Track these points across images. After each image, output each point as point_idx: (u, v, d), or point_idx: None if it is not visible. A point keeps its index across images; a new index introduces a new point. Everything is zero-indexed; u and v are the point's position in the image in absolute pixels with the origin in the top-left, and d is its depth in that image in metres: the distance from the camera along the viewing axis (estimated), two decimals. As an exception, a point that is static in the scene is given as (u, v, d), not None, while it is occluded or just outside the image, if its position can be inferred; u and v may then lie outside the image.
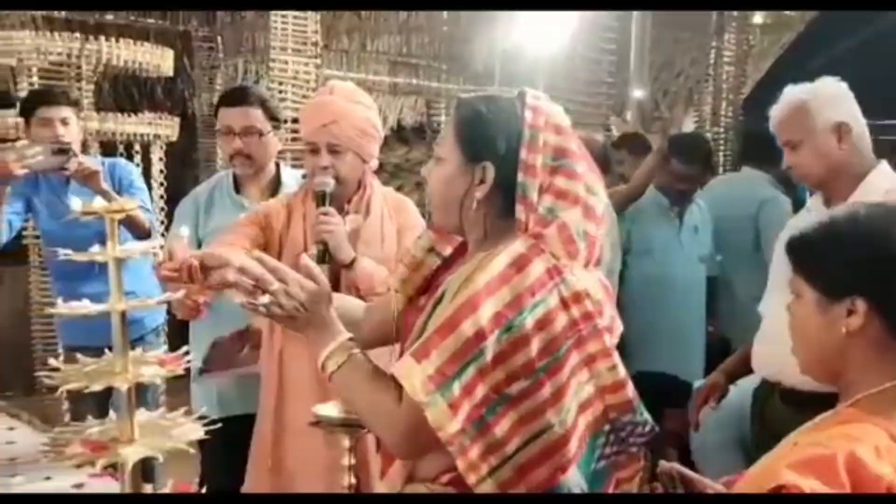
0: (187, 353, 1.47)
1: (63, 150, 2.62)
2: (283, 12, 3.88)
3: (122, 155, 3.63)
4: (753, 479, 1.11)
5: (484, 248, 1.26)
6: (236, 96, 2.50)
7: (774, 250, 2.17)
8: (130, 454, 1.38)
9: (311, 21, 3.94)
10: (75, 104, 2.92)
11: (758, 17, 5.93)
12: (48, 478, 1.95)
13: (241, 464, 2.34)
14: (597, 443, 1.24)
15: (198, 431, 1.47)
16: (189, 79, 5.49)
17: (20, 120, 3.43)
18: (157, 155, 3.68)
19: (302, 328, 1.29)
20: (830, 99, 2.06)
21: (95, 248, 1.48)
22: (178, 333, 3.23)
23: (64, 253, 1.44)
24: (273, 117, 2.50)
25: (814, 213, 2.15)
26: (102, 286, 2.94)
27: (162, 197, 3.88)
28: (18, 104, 3.30)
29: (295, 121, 4.03)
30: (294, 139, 4.00)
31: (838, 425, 1.09)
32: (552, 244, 1.21)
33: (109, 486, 1.91)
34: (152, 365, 1.46)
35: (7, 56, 3.51)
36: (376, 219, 2.08)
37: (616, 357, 1.24)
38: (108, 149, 3.66)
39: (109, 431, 1.51)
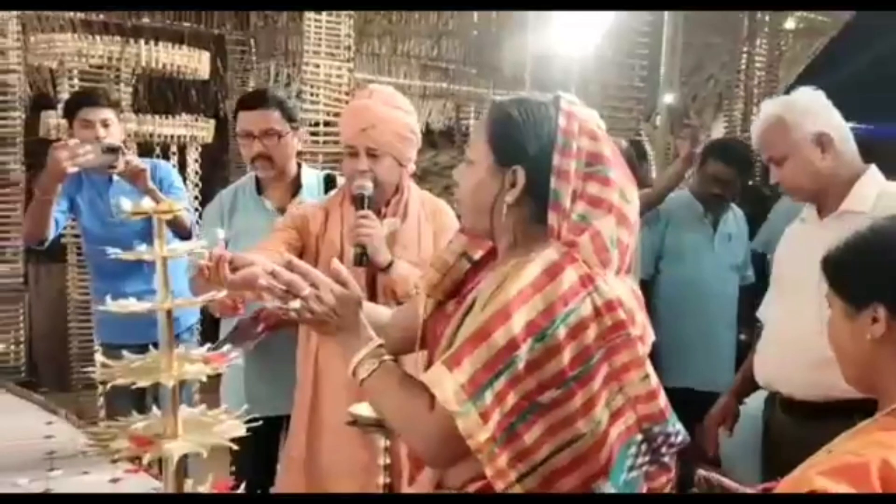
0: (231, 351, 1.50)
1: (112, 149, 2.70)
2: (317, 16, 3.92)
3: (157, 156, 3.70)
4: (787, 486, 1.11)
5: (514, 254, 1.25)
6: (254, 99, 2.51)
7: (774, 259, 2.15)
8: (175, 449, 1.41)
9: (345, 25, 3.98)
10: (116, 106, 2.99)
11: (790, 23, 5.88)
12: (86, 472, 1.99)
13: (268, 463, 2.37)
14: (628, 452, 1.23)
15: (239, 429, 1.50)
16: (222, 81, 5.57)
17: (62, 121, 3.52)
18: (192, 156, 3.74)
19: (332, 332, 1.30)
20: (807, 110, 2.03)
21: (143, 248, 1.51)
22: (207, 333, 3.29)
23: (113, 252, 1.47)
24: (291, 118, 2.51)
25: (808, 223, 2.13)
26: (142, 285, 3.05)
27: (197, 198, 3.94)
28: (61, 106, 3.38)
29: (328, 124, 4.09)
30: (327, 142, 4.05)
31: (874, 433, 1.10)
32: (585, 252, 1.20)
33: (145, 481, 1.95)
34: (196, 362, 1.48)
35: (49, 58, 3.59)
36: (413, 222, 2.09)
37: (648, 366, 1.23)
38: (144, 150, 3.73)
39: (153, 427, 1.53)
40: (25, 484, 1.88)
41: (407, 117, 2.07)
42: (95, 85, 3.57)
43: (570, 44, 4.19)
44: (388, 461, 1.74)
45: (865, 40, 7.84)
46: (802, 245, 2.20)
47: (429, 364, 1.34)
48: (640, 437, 1.23)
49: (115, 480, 1.95)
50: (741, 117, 5.68)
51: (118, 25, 4.93)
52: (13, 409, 2.46)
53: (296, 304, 1.27)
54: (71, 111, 2.90)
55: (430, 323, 1.39)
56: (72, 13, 4.67)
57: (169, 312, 1.48)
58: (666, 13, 4.14)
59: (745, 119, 5.62)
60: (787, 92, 6.28)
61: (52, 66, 3.67)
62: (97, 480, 1.94)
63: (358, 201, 2.00)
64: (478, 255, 1.42)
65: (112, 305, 1.45)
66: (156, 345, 2.74)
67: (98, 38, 3.51)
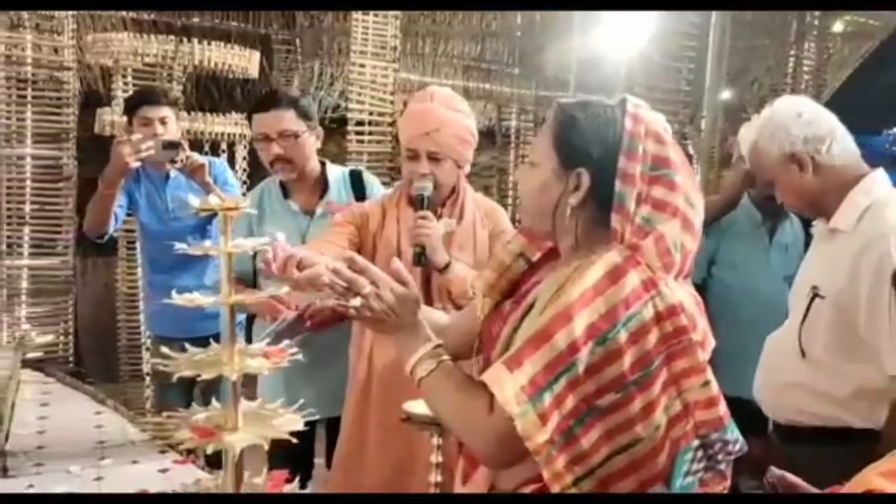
0: (290, 346, 1.53)
1: (173, 144, 2.77)
2: (364, 17, 3.95)
3: (206, 153, 3.77)
4: (850, 487, 1.11)
5: (576, 255, 1.25)
6: (266, 101, 2.44)
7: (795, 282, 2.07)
8: (237, 441, 1.43)
9: (391, 26, 4.01)
10: (174, 104, 3.05)
11: (839, 26, 5.78)
12: (135, 461, 2.03)
13: (303, 464, 2.35)
14: (685, 458, 1.22)
15: (297, 423, 1.53)
16: (267, 80, 5.64)
17: (117, 118, 3.60)
18: (241, 154, 3.80)
19: (390, 331, 1.30)
20: (776, 131, 1.95)
21: (208, 243, 1.54)
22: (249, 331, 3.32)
23: (179, 247, 1.50)
24: (306, 117, 2.44)
25: (817, 237, 2.07)
26: (194, 280, 3.12)
27: (244, 195, 3.99)
28: (121, 103, 3.45)
29: (372, 123, 4.12)
30: (371, 141, 4.08)
31: None
32: (648, 256, 1.20)
33: (192, 472, 1.99)
34: (258, 357, 1.51)
35: (105, 57, 3.67)
36: (469, 223, 2.10)
37: (709, 373, 1.22)
38: (193, 147, 3.79)
39: (213, 419, 1.57)
40: (77, 471, 1.92)
41: (467, 120, 2.08)
42: (149, 83, 3.65)
43: (616, 46, 4.18)
44: (440, 459, 1.75)
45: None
46: (805, 262, 2.15)
47: (484, 364, 1.35)
48: (696, 442, 1.22)
49: (163, 471, 1.99)
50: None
51: (168, 24, 5.04)
52: (64, 398, 2.53)
53: (356, 301, 1.28)
54: (131, 109, 2.97)
55: (486, 323, 1.39)
56: (123, 13, 4.77)
57: (232, 307, 1.51)
58: (713, 15, 4.11)
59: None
60: (833, 98, 6.18)
61: (108, 64, 3.75)
62: (146, 470, 1.98)
63: (417, 202, 2.01)
64: (536, 256, 1.42)
65: (178, 299, 1.48)
66: (206, 339, 2.80)
67: (153, 37, 3.57)
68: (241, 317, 3.22)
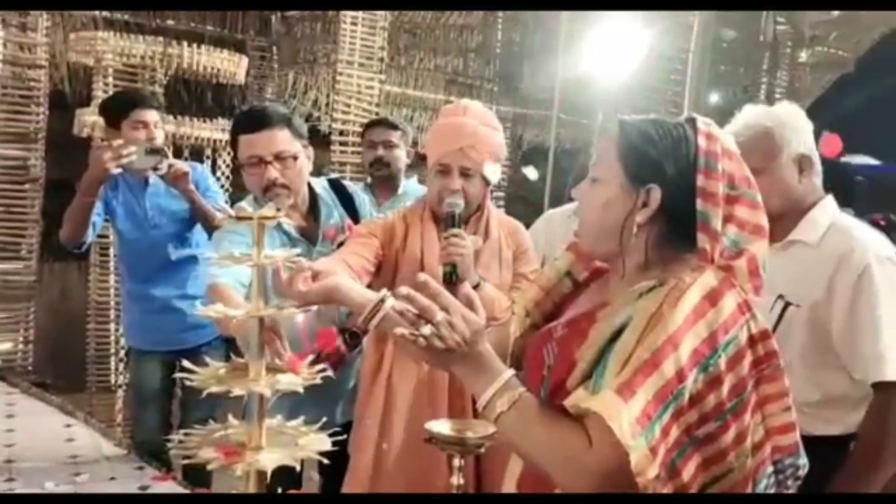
0: (317, 362, 1.47)
1: (156, 151, 2.67)
2: (353, 27, 3.91)
3: (186, 159, 3.67)
4: None
5: (646, 276, 1.21)
6: (257, 120, 2.10)
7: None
8: (269, 461, 1.37)
9: (379, 36, 3.97)
10: (161, 108, 2.96)
11: (805, 56, 5.96)
12: (112, 478, 1.96)
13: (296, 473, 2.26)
14: (759, 486, 1.20)
15: (325, 442, 1.47)
16: (240, 86, 5.54)
17: (96, 119, 3.47)
18: (224, 161, 3.71)
19: (455, 363, 1.20)
20: (796, 128, 1.92)
21: (188, 251, 1.46)
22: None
23: (214, 257, 1.43)
24: (300, 135, 2.17)
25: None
26: (173, 289, 3.00)
27: (227, 202, 3.89)
28: (97, 104, 3.33)
29: (355, 134, 4.07)
30: (356, 152, 4.02)
31: None
32: (741, 277, 1.17)
33: (173, 489, 1.94)
34: (287, 373, 1.45)
35: (87, 56, 3.55)
36: (494, 242, 2.05)
37: (791, 398, 1.20)
38: (173, 153, 3.69)
39: (232, 436, 1.50)
40: (52, 488, 1.85)
41: (499, 136, 2.03)
42: (132, 84, 3.53)
43: (601, 67, 4.21)
44: (461, 481, 1.70)
45: (875, 77, 7.99)
46: None
47: (531, 381, 1.30)
48: (771, 468, 1.21)
49: (143, 488, 1.93)
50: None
51: (139, 25, 4.90)
52: (30, 410, 2.44)
53: (427, 329, 1.18)
54: (123, 110, 2.84)
55: (531, 346, 1.32)
56: (96, 12, 4.63)
57: (261, 320, 1.44)
58: (692, 41, 4.18)
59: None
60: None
61: (89, 64, 3.62)
62: (125, 487, 1.91)
63: (448, 219, 1.94)
64: (582, 275, 1.38)
65: (208, 309, 1.40)
66: (186, 352, 2.70)
67: (141, 37, 3.47)
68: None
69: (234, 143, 2.17)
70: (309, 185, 2.25)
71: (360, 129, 4.07)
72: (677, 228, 1.21)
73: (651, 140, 1.22)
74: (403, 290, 1.20)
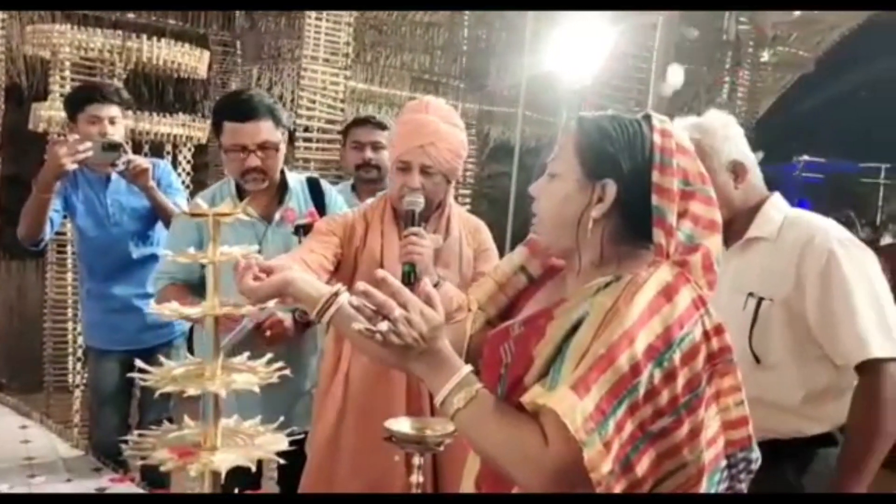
0: (275, 360, 1.45)
1: (114, 146, 2.61)
2: (318, 22, 3.87)
3: (146, 155, 3.60)
4: None
5: (601, 271, 1.21)
6: (244, 110, 2.23)
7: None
8: (223, 462, 1.34)
9: (344, 32, 3.94)
10: (124, 103, 2.89)
11: (767, 56, 6.04)
12: (69, 480, 1.93)
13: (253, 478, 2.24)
14: (713, 480, 1.20)
15: (282, 442, 1.45)
16: (201, 81, 5.46)
17: (53, 113, 3.40)
18: (185, 156, 3.64)
19: (413, 360, 1.18)
20: (726, 136, 1.96)
21: (151, 249, 1.44)
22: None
23: (171, 255, 1.40)
24: (281, 124, 2.30)
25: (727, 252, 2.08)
26: (133, 288, 2.96)
27: (188, 199, 3.83)
28: (59, 98, 3.26)
29: (322, 130, 4.03)
30: (320, 148, 3.99)
31: None
32: (696, 272, 1.17)
33: (130, 490, 1.91)
34: (244, 372, 1.43)
35: (43, 49, 3.45)
36: (455, 240, 2.04)
37: (744, 392, 1.21)
38: (134, 148, 3.62)
39: (187, 437, 1.47)
40: (6, 490, 1.82)
41: (462, 134, 2.01)
42: (89, 78, 3.45)
43: (566, 65, 4.22)
44: (420, 479, 1.69)
45: (834, 77, 8.14)
46: (721, 274, 2.20)
47: (488, 379, 1.29)
48: (724, 462, 1.21)
49: (100, 490, 1.90)
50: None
51: (97, 18, 4.80)
52: None
53: (384, 326, 1.16)
54: (78, 105, 2.78)
55: (488, 345, 1.31)
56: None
57: (216, 319, 1.42)
58: (657, 39, 4.22)
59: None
60: (758, 123, 6.46)
61: (45, 57, 3.53)
62: (81, 489, 1.88)
63: (408, 217, 1.93)
64: (538, 272, 1.37)
65: (164, 308, 1.37)
66: (146, 351, 2.66)
67: (98, 30, 3.38)
68: (183, 325, 3.09)
69: (217, 127, 2.28)
70: (282, 172, 2.37)
71: (325, 126, 4.05)
72: (633, 224, 1.21)
73: (607, 136, 1.22)
74: (360, 285, 1.18)
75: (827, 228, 1.91)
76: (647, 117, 1.25)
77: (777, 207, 1.98)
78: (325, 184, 2.52)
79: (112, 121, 2.76)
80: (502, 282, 1.38)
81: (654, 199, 1.19)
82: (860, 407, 1.81)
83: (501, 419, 1.15)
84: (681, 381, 1.11)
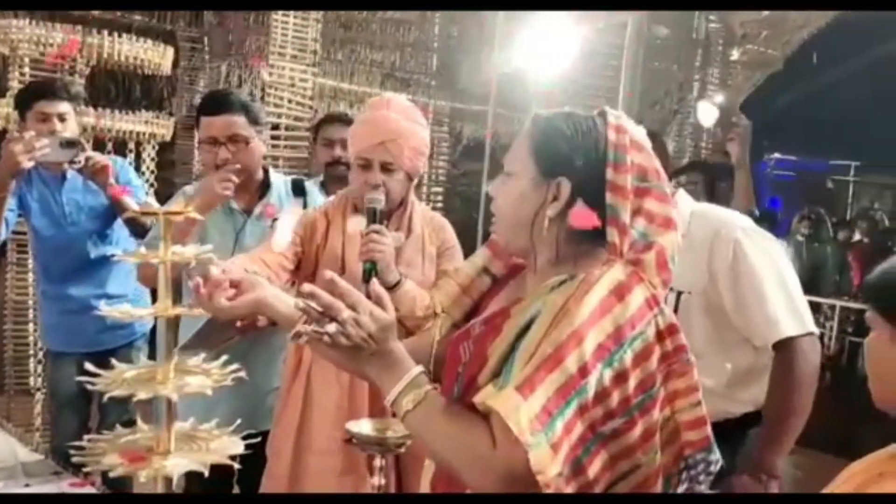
0: (231, 362, 1.42)
1: (72, 143, 2.55)
2: (285, 18, 3.82)
3: (109, 152, 3.53)
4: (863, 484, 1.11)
5: (558, 270, 1.20)
6: (217, 104, 2.34)
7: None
8: (176, 467, 1.31)
9: (312, 29, 3.90)
10: (75, 99, 2.82)
11: (736, 54, 6.09)
12: (27, 484, 1.90)
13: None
14: (671, 482, 1.20)
15: (237, 445, 1.42)
16: (169, 78, 5.37)
17: (10, 111, 3.31)
18: (149, 154, 3.57)
19: (363, 362, 1.16)
20: None
21: (142, 250, 1.40)
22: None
23: (117, 255, 1.36)
24: (256, 122, 2.37)
25: None
26: (91, 289, 2.90)
27: (153, 196, 3.75)
28: (13, 95, 3.18)
29: (290, 128, 3.99)
30: (288, 146, 3.95)
31: None
32: (649, 271, 1.16)
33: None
34: (198, 374, 1.39)
35: (1, 44, 3.36)
36: (417, 239, 2.02)
37: (701, 392, 1.20)
38: (96, 145, 3.55)
39: (140, 441, 1.44)
40: None
41: (424, 131, 2.00)
42: (51, 75, 3.37)
43: (538, 64, 4.22)
44: (382, 482, 1.67)
45: (802, 76, 8.23)
46: None
47: (447, 378, 1.28)
48: (682, 464, 1.20)
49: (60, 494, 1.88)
50: (692, 143, 5.85)
51: (63, 14, 4.69)
52: None
53: (332, 327, 1.14)
54: (26, 102, 2.71)
55: (450, 346, 1.29)
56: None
57: (168, 320, 1.38)
58: (627, 37, 4.22)
59: (696, 145, 5.79)
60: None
61: (4, 53, 3.44)
62: (40, 493, 1.86)
63: (370, 215, 1.91)
64: (501, 272, 1.36)
65: (112, 310, 1.34)
66: (106, 353, 2.62)
67: (58, 25, 3.30)
68: (148, 326, 3.03)
69: (197, 124, 2.42)
70: (266, 170, 2.46)
71: (293, 123, 4.00)
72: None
73: (561, 133, 1.21)
74: (306, 287, 1.15)
75: (730, 218, 2.03)
76: (603, 114, 1.24)
77: (684, 202, 2.08)
78: (310, 185, 2.57)
79: (62, 117, 2.70)
80: (465, 284, 1.36)
81: (608, 197, 1.18)
82: (777, 381, 1.93)
83: (451, 421, 1.13)
84: (633, 381, 1.10)
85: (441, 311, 1.37)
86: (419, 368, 1.17)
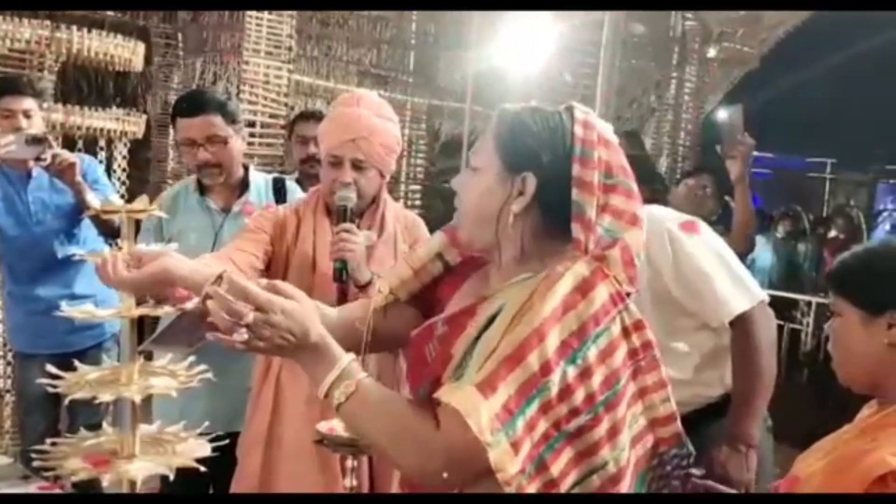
0: (198, 363, 1.39)
1: (38, 140, 2.49)
2: (259, 14, 3.78)
3: (79, 150, 3.46)
4: (862, 472, 1.13)
5: (523, 267, 1.18)
6: (193, 105, 2.34)
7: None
8: (139, 470, 1.28)
9: (287, 25, 3.86)
10: (40, 95, 2.77)
11: (713, 52, 6.11)
12: None
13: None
14: (645, 478, 1.19)
15: (204, 448, 1.39)
16: (143, 75, 5.30)
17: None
18: (120, 152, 3.51)
19: (293, 355, 1.12)
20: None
21: (106, 249, 1.37)
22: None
23: (77, 254, 1.33)
24: (233, 120, 2.37)
25: None
26: (59, 289, 2.85)
27: (123, 196, 3.69)
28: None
29: (265, 125, 3.94)
30: (262, 143, 3.90)
31: None
32: (615, 267, 1.14)
33: None
34: (163, 375, 1.36)
35: (-35, 40, 3.29)
36: (390, 237, 2.00)
37: (670, 388, 1.19)
38: (66, 143, 3.48)
39: (106, 445, 1.41)
40: None
41: (395, 129, 1.98)
42: (17, 71, 3.30)
43: (515, 61, 4.21)
44: (354, 483, 1.65)
45: (778, 74, 8.29)
46: None
47: (413, 379, 1.25)
48: (655, 461, 1.19)
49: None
50: (669, 141, 5.87)
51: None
52: None
53: (242, 336, 1.08)
54: None
55: (414, 341, 1.26)
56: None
57: (132, 321, 1.35)
58: (604, 35, 4.22)
59: (673, 143, 5.81)
60: (706, 119, 6.56)
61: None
62: (7, 496, 1.82)
63: (340, 213, 1.88)
64: (455, 260, 1.33)
65: (71, 311, 1.30)
66: (74, 354, 2.57)
67: (26, 21, 3.23)
68: (118, 326, 2.98)
69: (173, 125, 2.43)
70: (246, 168, 2.47)
71: (268, 120, 3.96)
72: (553, 219, 1.18)
73: (527, 129, 1.19)
74: (208, 288, 1.10)
75: (658, 213, 2.08)
76: (570, 109, 1.22)
77: None
78: (290, 184, 2.56)
79: (27, 114, 2.64)
80: (416, 267, 1.34)
81: (575, 193, 1.16)
82: (738, 352, 1.99)
83: (385, 409, 1.12)
84: (597, 378, 1.09)
85: (388, 292, 1.34)
86: (349, 357, 1.14)
